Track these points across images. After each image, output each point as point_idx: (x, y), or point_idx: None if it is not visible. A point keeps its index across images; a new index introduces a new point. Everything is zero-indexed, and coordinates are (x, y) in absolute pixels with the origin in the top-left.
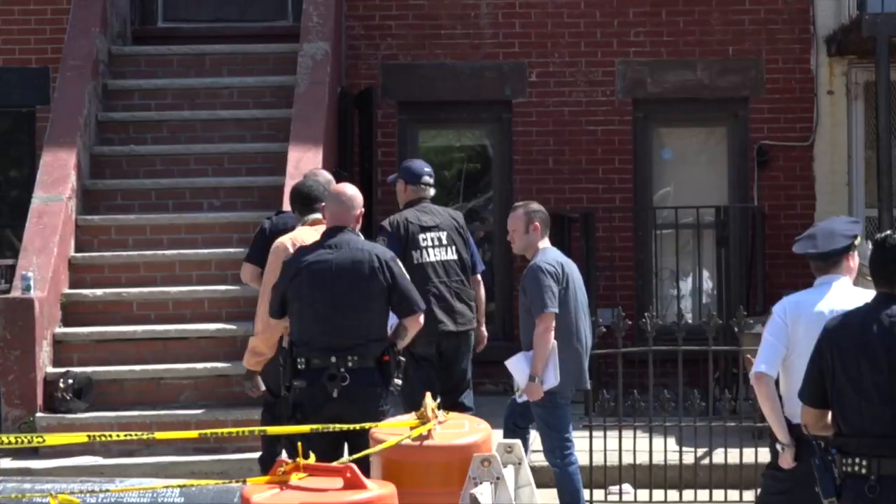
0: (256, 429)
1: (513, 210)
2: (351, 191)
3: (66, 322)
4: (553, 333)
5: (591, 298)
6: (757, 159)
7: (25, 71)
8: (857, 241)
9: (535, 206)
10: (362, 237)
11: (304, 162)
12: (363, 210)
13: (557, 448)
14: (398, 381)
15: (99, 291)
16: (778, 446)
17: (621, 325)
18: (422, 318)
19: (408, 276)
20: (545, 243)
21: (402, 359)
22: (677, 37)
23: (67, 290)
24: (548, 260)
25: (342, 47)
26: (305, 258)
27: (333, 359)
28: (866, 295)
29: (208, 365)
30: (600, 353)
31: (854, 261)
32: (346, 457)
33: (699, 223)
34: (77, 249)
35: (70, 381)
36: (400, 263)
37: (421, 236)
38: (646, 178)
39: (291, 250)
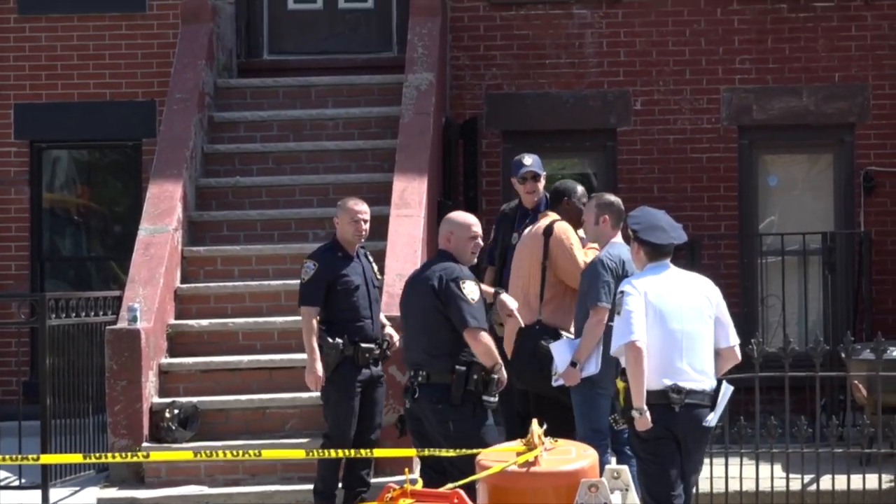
0: (364, 451)
1: (588, 200)
2: (465, 217)
3: (172, 352)
4: (604, 327)
5: None
6: (863, 185)
7: (132, 104)
8: None
9: (610, 198)
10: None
11: (409, 192)
12: (481, 238)
13: (588, 439)
14: (488, 399)
15: (205, 322)
16: (634, 412)
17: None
18: (476, 335)
19: (472, 297)
20: (617, 238)
21: (494, 376)
22: (783, 63)
23: (173, 321)
24: (611, 255)
25: (446, 77)
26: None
27: (411, 373)
28: (693, 274)
29: (313, 394)
30: None
31: None
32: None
33: (805, 250)
34: (183, 280)
35: (176, 410)
36: (468, 284)
37: None
38: (751, 204)
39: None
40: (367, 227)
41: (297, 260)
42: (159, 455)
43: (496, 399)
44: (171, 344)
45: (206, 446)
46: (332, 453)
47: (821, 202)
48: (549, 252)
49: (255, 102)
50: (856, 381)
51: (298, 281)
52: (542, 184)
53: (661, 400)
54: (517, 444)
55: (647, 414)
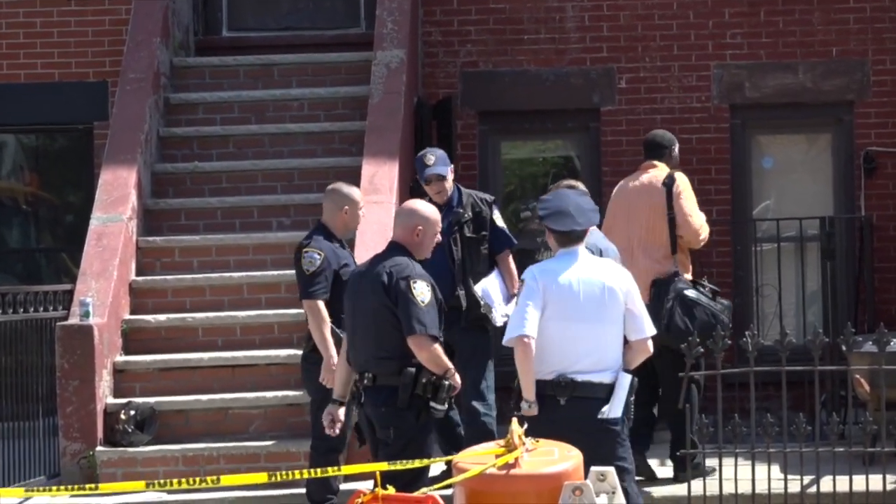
0: (331, 469)
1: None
2: (422, 206)
3: (128, 350)
4: None
5: None
6: (864, 166)
7: (82, 85)
8: None
9: (571, 183)
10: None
11: (379, 177)
12: (438, 230)
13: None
14: (436, 406)
15: (162, 317)
16: (524, 403)
17: (721, 344)
18: (421, 342)
19: (423, 299)
20: None
21: (445, 381)
22: (777, 38)
23: (128, 317)
24: (587, 244)
25: (418, 55)
26: (357, 268)
27: (356, 376)
28: (606, 261)
29: (279, 393)
30: (698, 374)
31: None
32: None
33: (802, 236)
34: (138, 273)
35: (132, 412)
36: (419, 284)
37: None
38: (744, 188)
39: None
40: None
41: (261, 250)
42: (110, 487)
43: (444, 408)
44: (127, 341)
45: (164, 450)
46: (297, 474)
47: (819, 185)
48: (673, 204)
49: (215, 82)
50: (857, 376)
51: (261, 272)
52: (449, 180)
53: (547, 391)
54: (495, 446)
55: (536, 406)
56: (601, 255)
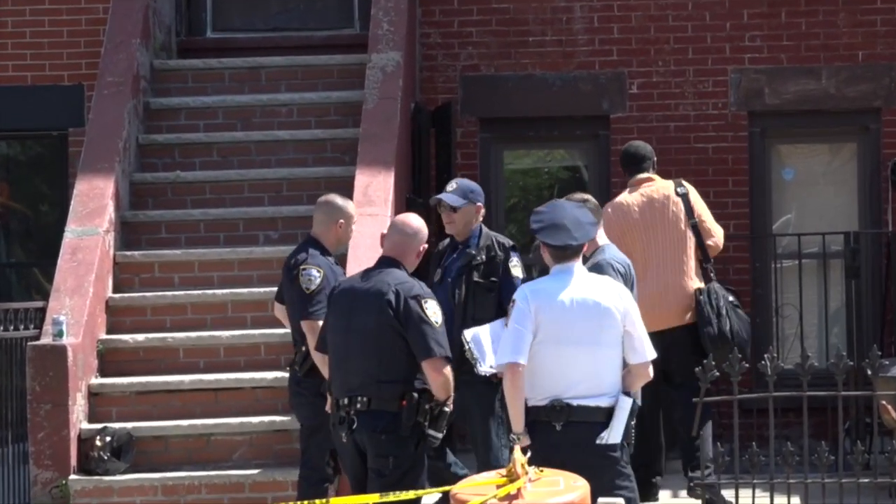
0: (319, 501)
1: None
2: (417, 223)
3: (104, 372)
4: None
5: None
6: (891, 178)
7: (57, 89)
8: None
9: (583, 196)
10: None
11: (374, 188)
12: (426, 247)
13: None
14: (434, 433)
15: (140, 337)
16: (512, 436)
17: (737, 368)
18: (438, 366)
19: (436, 319)
20: (602, 238)
21: (446, 409)
22: (799, 41)
23: (105, 336)
24: (616, 258)
25: (416, 58)
26: (340, 284)
27: (344, 400)
28: (603, 280)
29: (265, 419)
30: (713, 400)
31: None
32: None
33: (825, 252)
34: (115, 290)
35: (108, 438)
36: (430, 304)
37: None
38: (764, 201)
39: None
40: None
41: (246, 266)
42: None
43: (441, 436)
44: (103, 362)
45: (142, 479)
46: None
47: (843, 198)
48: (693, 211)
49: (198, 86)
50: (884, 402)
51: (247, 289)
52: (465, 215)
53: (541, 416)
54: (496, 475)
55: (525, 437)
56: (629, 271)
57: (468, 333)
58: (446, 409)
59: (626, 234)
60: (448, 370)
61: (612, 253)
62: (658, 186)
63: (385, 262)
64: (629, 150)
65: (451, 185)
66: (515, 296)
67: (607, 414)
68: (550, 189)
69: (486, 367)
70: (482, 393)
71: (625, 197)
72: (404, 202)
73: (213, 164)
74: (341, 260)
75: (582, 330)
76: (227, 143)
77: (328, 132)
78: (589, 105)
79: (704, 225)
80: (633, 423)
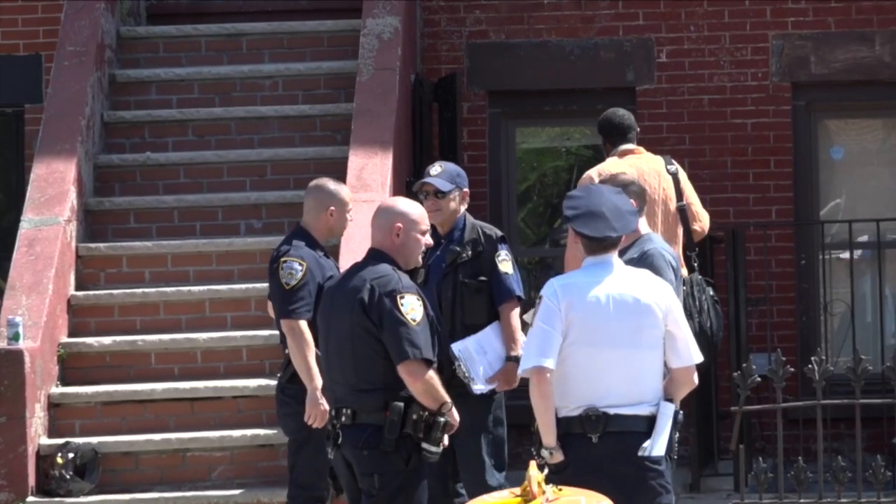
0: None
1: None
2: (405, 206)
3: (65, 380)
4: None
5: (741, 338)
6: None
7: (11, 60)
8: None
9: (626, 177)
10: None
11: (370, 170)
12: (430, 242)
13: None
14: (429, 447)
15: (107, 340)
16: (544, 451)
17: (781, 373)
18: (415, 370)
19: (413, 317)
20: (645, 226)
21: (441, 419)
22: (849, 2)
23: (66, 339)
24: (665, 249)
25: (417, 23)
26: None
27: (332, 412)
28: (642, 273)
29: (248, 432)
30: (753, 409)
31: None
32: None
33: (879, 241)
34: (78, 287)
35: (70, 455)
36: (408, 299)
37: None
38: (810, 184)
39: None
40: None
41: (226, 259)
42: None
43: (439, 450)
44: (64, 369)
45: (109, 500)
46: None
47: None
48: (682, 193)
49: (171, 56)
50: None
51: (227, 286)
52: (453, 202)
53: (575, 428)
54: (509, 495)
55: (559, 452)
56: (679, 265)
57: (455, 348)
58: (441, 419)
59: None
60: (430, 375)
61: (662, 243)
62: (647, 159)
63: (369, 255)
64: (613, 119)
65: (436, 168)
66: (542, 292)
67: (648, 423)
68: (569, 171)
69: (479, 386)
70: (474, 406)
71: (614, 164)
72: (404, 186)
73: (188, 144)
74: (334, 252)
75: (619, 330)
76: (204, 121)
77: (317, 108)
78: (612, 76)
79: (693, 208)
80: (676, 435)
